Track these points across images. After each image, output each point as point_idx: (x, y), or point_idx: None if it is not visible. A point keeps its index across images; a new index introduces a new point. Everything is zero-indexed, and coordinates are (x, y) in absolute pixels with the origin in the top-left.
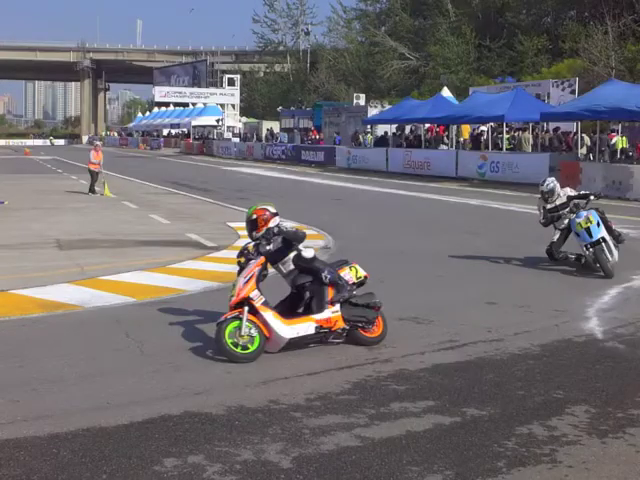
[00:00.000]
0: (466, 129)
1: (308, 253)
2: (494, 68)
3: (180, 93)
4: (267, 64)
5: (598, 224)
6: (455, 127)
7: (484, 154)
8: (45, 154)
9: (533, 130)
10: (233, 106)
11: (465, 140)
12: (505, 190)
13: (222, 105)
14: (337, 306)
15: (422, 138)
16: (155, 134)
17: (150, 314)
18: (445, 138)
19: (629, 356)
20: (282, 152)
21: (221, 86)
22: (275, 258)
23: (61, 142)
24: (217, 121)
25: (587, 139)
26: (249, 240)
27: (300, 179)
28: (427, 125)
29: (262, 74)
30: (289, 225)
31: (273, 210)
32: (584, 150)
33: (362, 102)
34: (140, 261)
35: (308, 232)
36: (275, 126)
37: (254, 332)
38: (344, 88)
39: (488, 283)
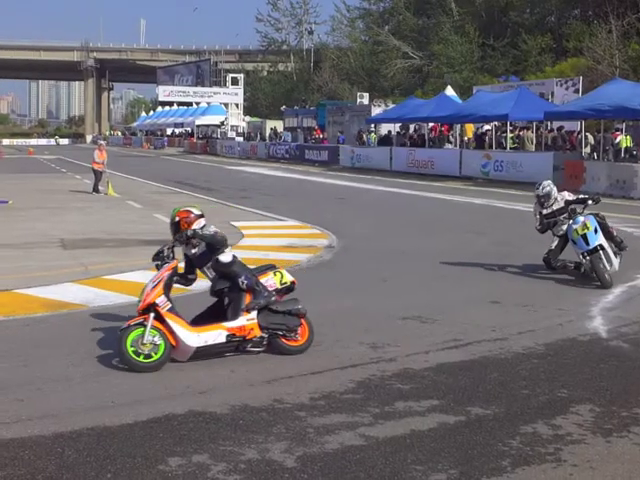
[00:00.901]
0: (470, 128)
1: (225, 257)
2: (498, 67)
3: (184, 92)
4: (271, 63)
5: (595, 230)
6: (459, 126)
7: (488, 153)
8: (49, 153)
9: (537, 129)
10: (237, 105)
11: (469, 139)
12: (509, 189)
13: (226, 104)
14: (253, 313)
15: (426, 137)
16: (159, 133)
17: None
18: (450, 137)
19: (633, 355)
20: (286, 151)
21: (225, 85)
22: (200, 262)
23: (65, 141)
24: (221, 122)
25: (591, 138)
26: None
27: (304, 178)
28: (431, 124)
29: (266, 73)
30: (213, 228)
31: (197, 212)
32: (588, 149)
33: (365, 101)
34: (144, 260)
35: (312, 231)
36: (279, 125)
37: (158, 340)
38: (347, 87)
39: (492, 282)
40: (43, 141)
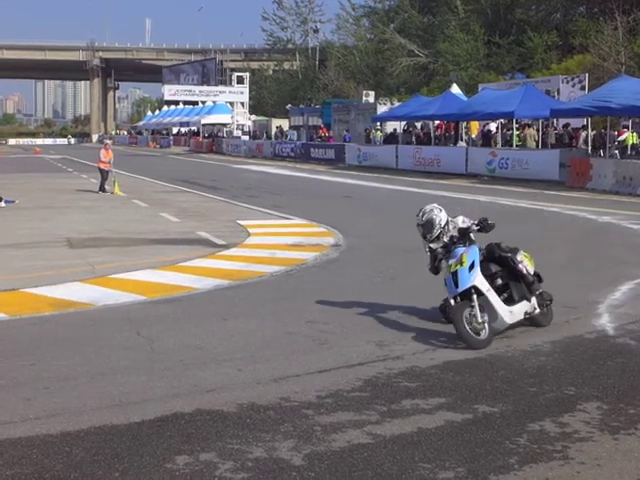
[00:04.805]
0: (475, 126)
1: None
2: (503, 65)
3: (189, 91)
4: (276, 62)
5: (472, 267)
6: (464, 124)
7: (494, 151)
8: (55, 153)
9: (546, 127)
10: (242, 104)
11: (476, 136)
12: (515, 187)
13: (231, 103)
14: None
15: (432, 135)
16: (165, 132)
17: (161, 312)
18: (463, 134)
19: None
20: (291, 150)
21: (230, 84)
22: None
23: (71, 141)
24: (232, 117)
25: (591, 134)
26: None
27: (310, 177)
28: (437, 122)
29: (271, 72)
30: None
31: None
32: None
33: (371, 99)
34: (150, 259)
35: (318, 229)
36: (284, 124)
37: None
38: (353, 85)
39: None
40: (49, 140)
